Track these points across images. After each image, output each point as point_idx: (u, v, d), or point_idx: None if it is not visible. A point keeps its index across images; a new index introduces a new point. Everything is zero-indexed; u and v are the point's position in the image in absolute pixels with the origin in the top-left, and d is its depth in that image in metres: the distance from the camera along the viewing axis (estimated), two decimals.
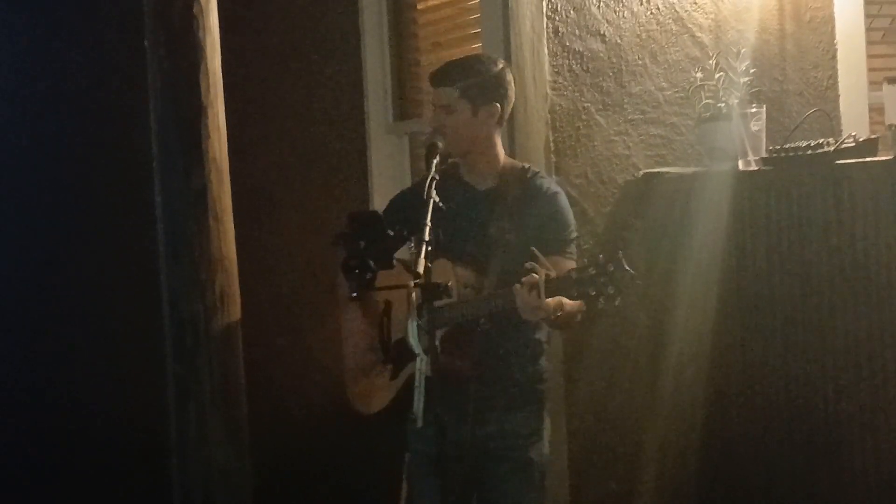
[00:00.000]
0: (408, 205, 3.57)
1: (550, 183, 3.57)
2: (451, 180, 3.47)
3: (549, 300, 3.11)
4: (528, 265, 3.10)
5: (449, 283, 3.22)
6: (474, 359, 3.34)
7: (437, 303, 3.06)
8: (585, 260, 3.08)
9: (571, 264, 3.37)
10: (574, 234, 3.51)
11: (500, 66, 3.54)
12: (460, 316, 3.28)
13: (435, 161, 3.34)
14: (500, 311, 3.23)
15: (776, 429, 3.86)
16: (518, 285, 3.12)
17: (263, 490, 4.12)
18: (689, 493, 4.23)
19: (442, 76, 3.52)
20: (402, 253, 3.22)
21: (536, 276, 3.06)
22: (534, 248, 3.17)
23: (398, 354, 3.51)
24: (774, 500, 3.87)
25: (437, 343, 3.05)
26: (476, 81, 3.47)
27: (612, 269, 2.99)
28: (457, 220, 3.37)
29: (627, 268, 2.99)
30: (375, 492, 4.49)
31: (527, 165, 3.64)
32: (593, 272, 3.02)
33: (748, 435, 3.96)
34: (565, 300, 3.22)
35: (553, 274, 3.10)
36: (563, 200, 3.53)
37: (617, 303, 3.03)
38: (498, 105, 3.49)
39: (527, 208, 3.45)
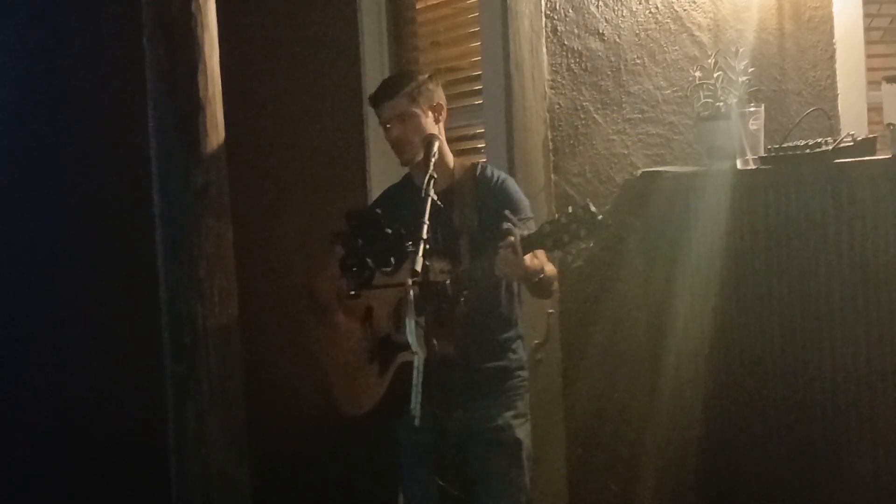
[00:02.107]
0: (396, 200, 3.67)
1: (499, 173, 3.69)
2: (405, 190, 3.66)
3: (530, 261, 3.21)
4: (504, 226, 3.20)
5: (447, 282, 3.25)
6: (458, 344, 3.39)
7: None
8: (556, 215, 3.17)
9: None
10: (529, 214, 3.60)
11: (428, 73, 3.73)
12: (446, 290, 3.32)
13: (433, 159, 3.37)
14: (482, 278, 3.31)
15: (775, 427, 3.86)
16: (500, 250, 3.20)
17: (262, 490, 4.12)
18: (689, 492, 4.23)
19: (385, 91, 3.67)
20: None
21: (512, 236, 3.15)
22: (507, 212, 3.29)
23: (383, 352, 3.57)
24: (773, 499, 3.87)
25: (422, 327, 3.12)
26: (417, 85, 3.63)
27: (580, 213, 3.08)
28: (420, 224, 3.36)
29: (594, 209, 3.07)
30: (374, 492, 4.49)
31: (475, 162, 3.75)
32: (564, 221, 3.11)
33: (747, 434, 3.97)
34: (547, 267, 3.35)
35: (526, 232, 3.21)
36: (513, 184, 3.67)
37: (591, 244, 3.12)
38: (441, 104, 3.66)
39: (481, 197, 3.56)
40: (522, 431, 3.61)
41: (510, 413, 3.59)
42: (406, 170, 3.78)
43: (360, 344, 3.66)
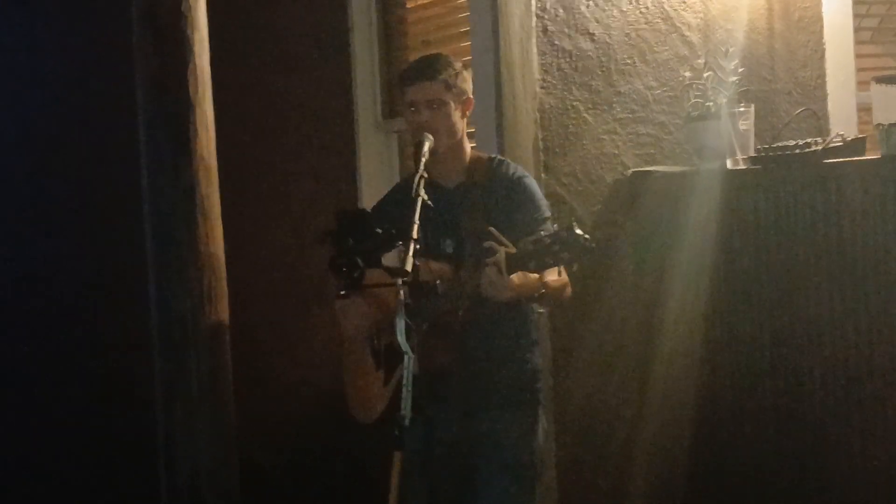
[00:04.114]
0: (395, 203, 3.57)
1: (516, 168, 3.55)
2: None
3: (520, 280, 3.10)
4: (486, 244, 3.08)
5: (437, 282, 3.22)
6: (457, 353, 3.29)
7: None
8: (542, 233, 3.06)
9: None
10: (546, 214, 3.46)
11: (462, 62, 3.55)
12: (438, 307, 3.22)
13: (423, 159, 3.33)
14: (472, 295, 3.19)
15: (765, 425, 3.86)
16: (484, 271, 3.08)
17: (251, 488, 4.11)
18: (679, 489, 4.23)
19: (423, 70, 3.45)
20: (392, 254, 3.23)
21: (497, 255, 3.04)
22: (491, 229, 3.14)
23: (388, 359, 3.46)
24: (764, 497, 3.88)
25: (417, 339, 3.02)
26: (455, 73, 3.45)
27: (565, 235, 2.97)
28: (431, 221, 3.29)
29: (579, 232, 2.97)
30: (364, 490, 4.48)
31: (492, 156, 3.62)
32: (549, 241, 2.99)
33: (737, 431, 3.97)
34: (550, 279, 3.21)
35: (513, 250, 3.06)
36: (530, 182, 3.51)
37: (574, 269, 3.04)
38: (470, 98, 3.50)
39: (495, 196, 3.42)
40: (531, 451, 3.46)
41: (522, 431, 3.45)
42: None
43: (367, 351, 3.55)
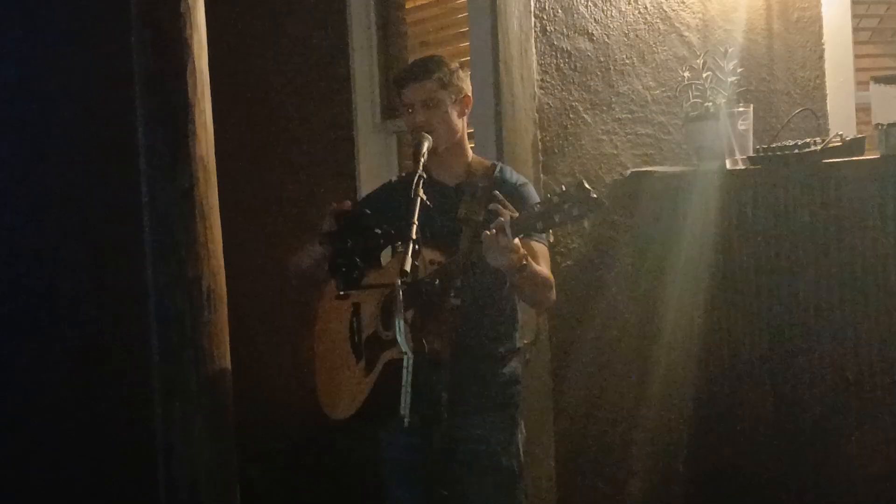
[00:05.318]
0: (387, 196, 3.58)
1: (518, 176, 3.56)
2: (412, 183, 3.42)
3: (520, 248, 3.08)
4: (491, 207, 3.06)
5: (436, 282, 3.21)
6: (448, 339, 3.23)
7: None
8: (548, 195, 3.02)
9: (544, 250, 3.38)
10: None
11: (458, 62, 3.57)
12: (434, 283, 3.19)
13: (423, 159, 3.32)
14: (472, 267, 3.18)
15: (764, 427, 3.87)
16: (486, 232, 3.07)
17: (249, 489, 4.11)
18: (678, 490, 4.24)
19: (415, 71, 3.48)
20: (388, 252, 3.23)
21: (502, 217, 3.03)
22: (496, 192, 3.13)
23: (370, 350, 3.45)
24: (762, 497, 3.88)
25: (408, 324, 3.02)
26: (449, 72, 3.46)
27: (573, 191, 2.96)
28: (430, 218, 3.27)
29: (588, 187, 2.95)
30: (362, 490, 4.48)
31: (494, 162, 3.62)
32: (556, 200, 2.98)
33: (736, 433, 3.97)
34: (541, 269, 3.23)
35: (516, 214, 3.06)
36: (531, 190, 3.52)
37: (586, 224, 3.01)
38: (469, 95, 3.51)
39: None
40: (510, 455, 3.45)
41: (500, 436, 3.44)
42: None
43: (347, 342, 3.55)
